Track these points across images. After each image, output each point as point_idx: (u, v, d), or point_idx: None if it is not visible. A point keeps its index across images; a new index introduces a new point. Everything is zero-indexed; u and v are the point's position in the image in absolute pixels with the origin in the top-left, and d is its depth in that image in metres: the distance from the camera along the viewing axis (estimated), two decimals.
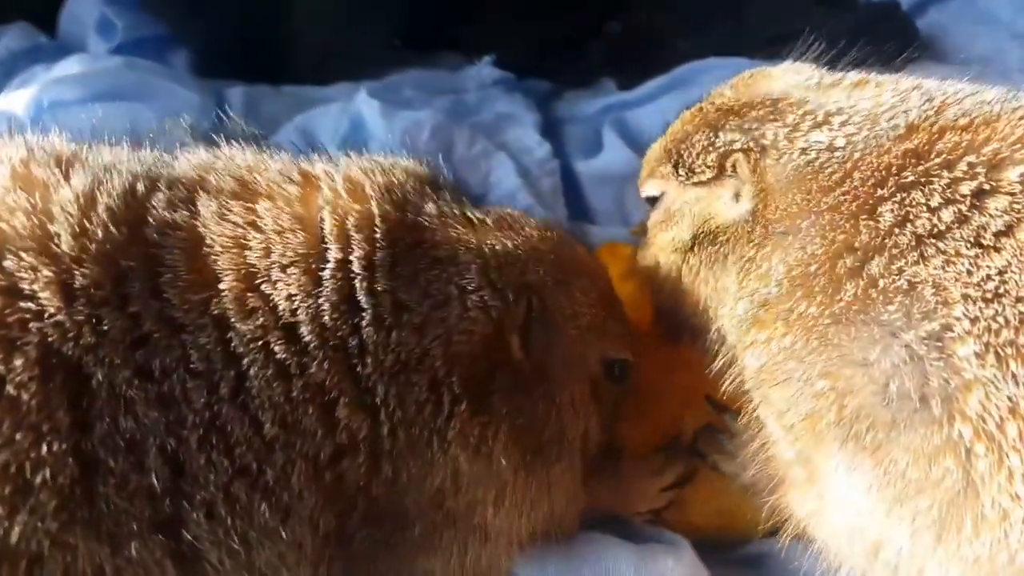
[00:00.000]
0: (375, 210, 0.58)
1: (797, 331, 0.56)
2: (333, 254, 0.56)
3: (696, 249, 0.67)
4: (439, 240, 0.60)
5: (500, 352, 0.60)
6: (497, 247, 0.62)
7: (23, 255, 0.49)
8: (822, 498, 0.57)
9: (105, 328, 0.49)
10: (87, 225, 0.51)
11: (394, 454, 0.55)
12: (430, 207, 0.62)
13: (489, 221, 0.64)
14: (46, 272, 0.49)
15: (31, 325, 0.48)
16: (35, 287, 0.48)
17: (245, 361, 0.51)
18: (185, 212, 0.55)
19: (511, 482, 0.61)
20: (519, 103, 1.15)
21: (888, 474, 0.52)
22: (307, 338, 0.53)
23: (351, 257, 0.56)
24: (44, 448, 0.46)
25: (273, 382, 0.52)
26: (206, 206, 0.56)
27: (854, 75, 0.67)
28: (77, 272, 0.50)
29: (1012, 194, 0.52)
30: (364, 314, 0.55)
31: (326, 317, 0.54)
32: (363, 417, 0.54)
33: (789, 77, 0.68)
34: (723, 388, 0.80)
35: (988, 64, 1.16)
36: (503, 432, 0.59)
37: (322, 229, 0.57)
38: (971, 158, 0.54)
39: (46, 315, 0.48)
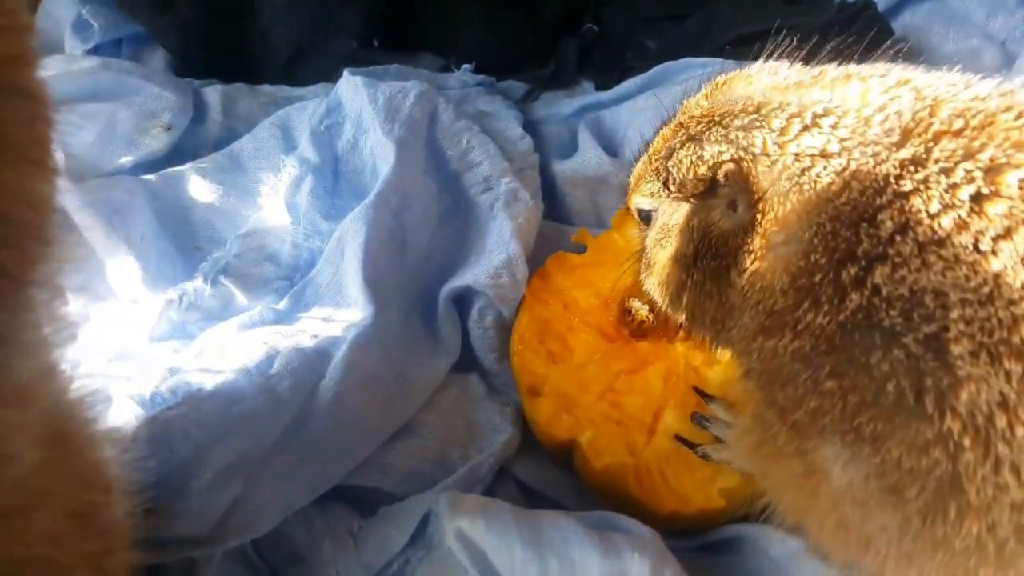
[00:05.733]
0: None
1: (805, 337, 0.57)
2: None
3: (699, 264, 0.67)
4: None
5: None
6: None
7: None
8: (816, 492, 0.59)
9: None
10: None
11: None
12: None
13: None
14: None
15: None
16: None
17: None
18: None
19: None
20: (500, 103, 1.15)
21: (885, 463, 0.54)
22: None
23: None
24: None
25: None
26: None
27: (834, 70, 0.65)
28: None
29: (1011, 198, 0.53)
30: None
31: None
32: None
33: (764, 79, 0.66)
34: (713, 380, 0.81)
35: (963, 65, 1.16)
36: None
37: None
38: (968, 165, 0.55)
39: None
